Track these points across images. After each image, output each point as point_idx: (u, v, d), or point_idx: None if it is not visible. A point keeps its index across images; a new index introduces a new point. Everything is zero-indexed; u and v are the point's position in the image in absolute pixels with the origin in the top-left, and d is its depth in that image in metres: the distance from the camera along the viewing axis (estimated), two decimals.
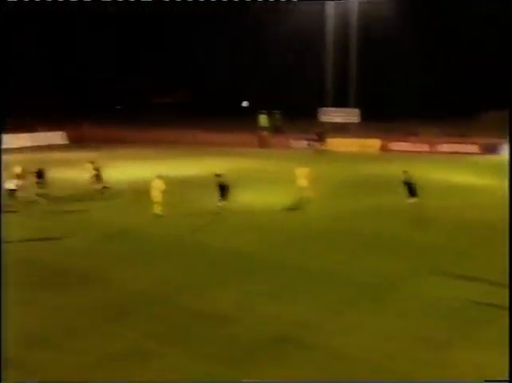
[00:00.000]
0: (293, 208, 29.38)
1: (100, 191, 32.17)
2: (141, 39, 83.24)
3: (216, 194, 27.92)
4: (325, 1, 59.23)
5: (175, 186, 32.92)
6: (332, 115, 61.06)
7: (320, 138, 54.02)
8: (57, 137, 60.34)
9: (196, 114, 72.19)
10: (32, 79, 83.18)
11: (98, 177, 32.62)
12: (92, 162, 33.62)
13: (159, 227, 25.76)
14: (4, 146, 54.71)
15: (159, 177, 27.81)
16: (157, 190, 27.35)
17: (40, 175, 31.27)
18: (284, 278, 19.30)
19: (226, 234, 24.78)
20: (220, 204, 27.83)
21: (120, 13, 74.32)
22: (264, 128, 59.49)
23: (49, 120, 61.54)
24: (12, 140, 56.29)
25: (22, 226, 26.08)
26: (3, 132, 46.88)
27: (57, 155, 49.76)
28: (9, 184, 29.18)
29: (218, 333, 15.31)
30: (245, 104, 65.74)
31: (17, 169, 31.47)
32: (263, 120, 61.18)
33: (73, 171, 38.91)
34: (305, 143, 54.68)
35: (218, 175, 28.29)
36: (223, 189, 27.83)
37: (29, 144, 56.93)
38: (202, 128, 59.90)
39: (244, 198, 30.59)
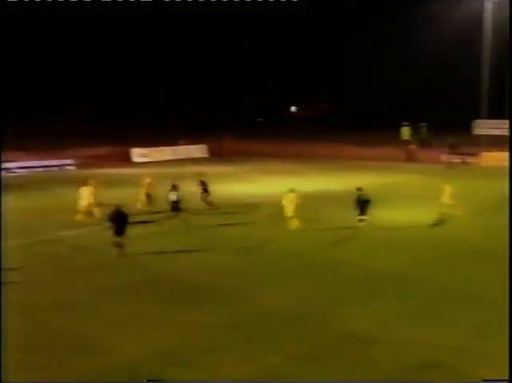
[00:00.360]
0: (438, 225, 28.99)
1: (208, 204, 33.47)
2: (284, 51, 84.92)
3: (356, 209, 28.33)
4: (484, 1, 57.31)
5: (314, 200, 33.50)
6: (488, 127, 59.24)
7: (453, 150, 52.84)
8: (197, 150, 62.55)
9: (338, 128, 72.53)
10: (174, 93, 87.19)
11: (206, 190, 33.83)
12: (199, 174, 34.82)
13: (296, 242, 26.16)
14: (146, 159, 57.83)
15: (292, 191, 28.54)
16: (290, 204, 28.07)
17: (175, 188, 32.59)
18: (427, 298, 19.09)
19: (365, 251, 24.85)
20: (360, 219, 28.19)
21: (265, 24, 76.39)
22: (408, 141, 58.78)
23: (190, 133, 63.99)
24: (154, 154, 59.28)
25: (163, 238, 27.45)
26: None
27: (195, 168, 51.42)
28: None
29: (361, 355, 15.31)
30: (293, 109, 63.88)
31: (148, 179, 33.46)
32: (406, 132, 60.35)
33: (211, 185, 40.32)
34: (454, 157, 53.62)
35: (359, 189, 28.70)
36: (364, 203, 28.17)
37: (170, 157, 59.48)
38: (344, 142, 60.10)
39: (386, 213, 30.57)
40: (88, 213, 30.24)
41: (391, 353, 15.40)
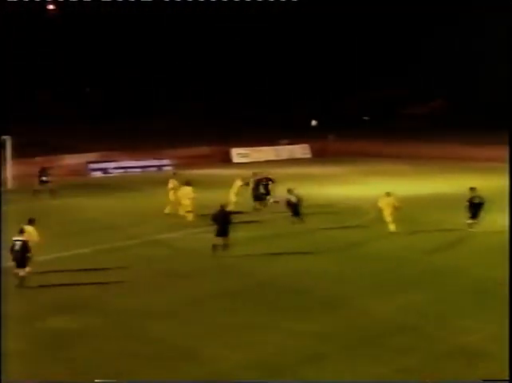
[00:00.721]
0: None
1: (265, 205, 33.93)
2: (393, 46, 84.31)
3: (465, 212, 27.95)
4: None
5: (422, 203, 33.29)
6: None
7: None
8: (299, 150, 62.71)
9: (450, 126, 71.15)
10: (277, 91, 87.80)
11: (267, 190, 34.25)
12: (256, 174, 35.35)
13: (402, 248, 26.18)
14: (247, 159, 58.52)
15: (388, 194, 28.88)
16: (388, 207, 28.47)
17: (291, 190, 32.91)
18: None
19: (477, 257, 24.56)
20: (470, 223, 27.79)
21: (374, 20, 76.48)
22: None
23: (292, 132, 64.25)
24: (254, 154, 59.90)
25: (266, 241, 27.83)
26: None
27: (295, 169, 51.62)
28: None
29: (472, 371, 15.14)
30: (314, 123, 61.38)
31: (238, 183, 34.18)
32: None
33: (314, 187, 40.54)
34: None
35: (472, 189, 28.30)
36: (477, 206, 27.75)
37: (271, 157, 59.91)
38: (456, 142, 58.86)
39: (500, 217, 29.74)
40: (189, 213, 31.12)
41: (505, 370, 15.05)
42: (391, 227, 28.36)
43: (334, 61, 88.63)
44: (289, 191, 30.66)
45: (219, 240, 24.95)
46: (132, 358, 16.05)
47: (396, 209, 28.41)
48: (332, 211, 33.86)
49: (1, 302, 19.51)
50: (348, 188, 41.27)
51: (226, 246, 24.91)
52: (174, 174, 36.07)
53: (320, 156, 60.15)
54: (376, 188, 39.97)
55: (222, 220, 25.00)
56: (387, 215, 28.58)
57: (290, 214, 30.33)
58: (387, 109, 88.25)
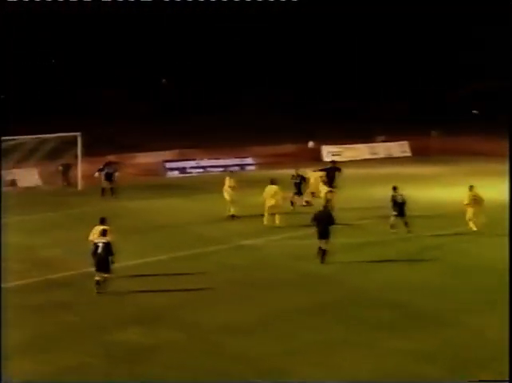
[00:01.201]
0: None
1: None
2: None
3: None
4: None
5: None
6: None
7: None
8: (398, 148, 61.97)
9: None
10: (371, 80, 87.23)
11: (298, 190, 34.83)
12: (297, 170, 35.78)
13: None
14: (339, 158, 58.09)
15: (471, 190, 29.73)
16: (474, 203, 29.18)
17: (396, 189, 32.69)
18: None
19: None
20: None
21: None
22: None
23: (389, 127, 63.55)
24: (347, 152, 59.42)
25: (364, 249, 27.68)
26: None
27: (393, 169, 50.73)
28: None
29: None
30: (310, 145, 59.06)
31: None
32: None
33: (415, 188, 39.92)
34: None
35: None
36: None
37: (366, 156, 59.41)
38: None
39: None
40: (276, 216, 31.21)
41: None
42: (474, 227, 29.13)
43: (443, 48, 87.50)
44: (395, 189, 30.47)
45: (320, 242, 25.08)
46: (209, 376, 16.09)
47: (480, 204, 29.36)
48: (434, 215, 33.36)
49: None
50: (453, 190, 40.38)
51: (324, 253, 24.95)
52: (231, 172, 37.79)
53: (421, 155, 59.12)
54: (486, 191, 39.20)
55: (325, 221, 25.11)
56: (474, 212, 29.22)
57: (395, 214, 30.05)
58: (500, 102, 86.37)
